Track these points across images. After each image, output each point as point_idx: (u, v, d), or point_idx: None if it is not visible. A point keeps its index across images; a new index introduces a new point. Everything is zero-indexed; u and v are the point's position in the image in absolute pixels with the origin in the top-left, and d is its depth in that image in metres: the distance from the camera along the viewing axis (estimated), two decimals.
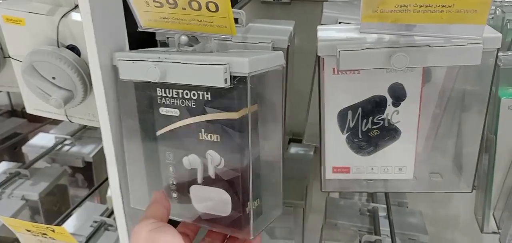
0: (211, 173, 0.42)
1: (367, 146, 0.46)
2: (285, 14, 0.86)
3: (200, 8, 0.37)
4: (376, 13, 0.35)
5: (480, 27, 0.34)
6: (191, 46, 0.42)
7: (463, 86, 0.46)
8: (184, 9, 0.37)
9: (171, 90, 0.41)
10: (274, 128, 0.44)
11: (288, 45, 0.48)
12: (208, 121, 0.40)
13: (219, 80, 0.36)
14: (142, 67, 0.40)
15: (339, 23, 0.48)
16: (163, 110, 0.42)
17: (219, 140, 0.40)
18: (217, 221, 0.43)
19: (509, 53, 0.50)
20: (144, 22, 0.41)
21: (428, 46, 0.37)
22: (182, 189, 0.45)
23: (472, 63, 0.37)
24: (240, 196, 0.41)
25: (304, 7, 0.85)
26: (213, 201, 0.43)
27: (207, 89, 0.39)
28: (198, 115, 0.40)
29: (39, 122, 1.03)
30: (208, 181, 0.43)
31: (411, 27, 0.37)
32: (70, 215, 0.77)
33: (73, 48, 0.50)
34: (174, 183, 0.45)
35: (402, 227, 0.70)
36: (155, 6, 0.38)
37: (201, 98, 0.39)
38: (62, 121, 0.64)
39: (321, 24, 0.49)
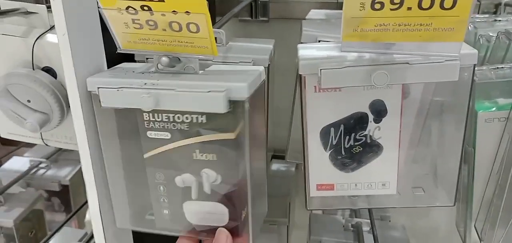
0: (207, 189, 0.42)
1: (350, 162, 0.46)
2: (263, 32, 0.87)
3: (180, 29, 0.36)
4: (357, 32, 0.35)
5: (457, 45, 0.35)
6: (173, 66, 0.41)
7: (440, 100, 0.46)
8: (165, 30, 0.37)
9: (160, 114, 0.40)
10: (261, 138, 0.45)
11: (269, 64, 0.48)
12: (203, 142, 0.40)
13: (220, 107, 0.36)
14: (130, 95, 0.38)
15: (319, 41, 0.49)
16: (152, 134, 0.41)
17: (215, 158, 0.40)
18: (213, 231, 0.43)
19: (484, 68, 0.51)
20: (124, 44, 0.40)
21: (407, 63, 0.38)
22: (175, 205, 0.44)
23: (450, 79, 0.38)
24: (238, 207, 0.42)
25: (282, 25, 0.86)
26: (208, 213, 0.43)
27: (201, 112, 0.38)
28: (192, 137, 0.40)
29: (13, 146, 1.00)
30: (203, 197, 0.43)
31: (390, 46, 0.37)
32: (48, 241, 0.74)
33: (49, 70, 0.49)
34: (166, 201, 0.44)
35: (386, 242, 0.70)
36: (134, 27, 0.37)
37: (195, 121, 0.39)
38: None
39: (301, 42, 0.49)
